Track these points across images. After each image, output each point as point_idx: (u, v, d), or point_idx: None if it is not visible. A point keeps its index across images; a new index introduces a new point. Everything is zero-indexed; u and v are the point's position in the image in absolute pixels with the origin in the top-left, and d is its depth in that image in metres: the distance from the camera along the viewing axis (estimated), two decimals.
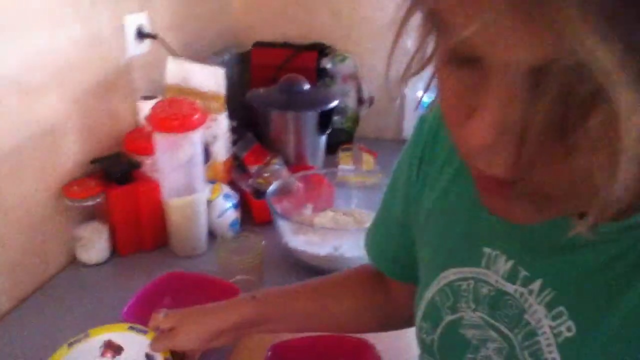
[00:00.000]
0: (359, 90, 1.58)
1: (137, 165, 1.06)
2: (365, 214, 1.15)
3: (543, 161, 0.34)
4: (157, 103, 1.05)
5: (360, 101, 1.58)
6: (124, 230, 1.05)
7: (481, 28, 0.30)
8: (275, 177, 1.23)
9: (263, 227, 1.13)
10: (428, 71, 0.42)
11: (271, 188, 1.10)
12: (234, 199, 1.15)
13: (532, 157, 0.33)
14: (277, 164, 1.28)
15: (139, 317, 0.82)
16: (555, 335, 0.46)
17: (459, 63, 0.35)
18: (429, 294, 0.59)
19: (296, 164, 1.33)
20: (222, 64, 1.39)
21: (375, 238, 0.72)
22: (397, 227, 0.66)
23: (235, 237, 1.04)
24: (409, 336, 0.71)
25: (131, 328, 0.76)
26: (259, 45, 1.58)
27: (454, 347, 0.56)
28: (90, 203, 0.99)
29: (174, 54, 1.26)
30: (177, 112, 1.01)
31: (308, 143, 1.36)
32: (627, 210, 0.40)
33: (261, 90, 1.40)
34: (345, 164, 1.42)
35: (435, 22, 0.35)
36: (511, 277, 0.50)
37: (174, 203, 1.05)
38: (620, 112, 0.28)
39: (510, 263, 0.50)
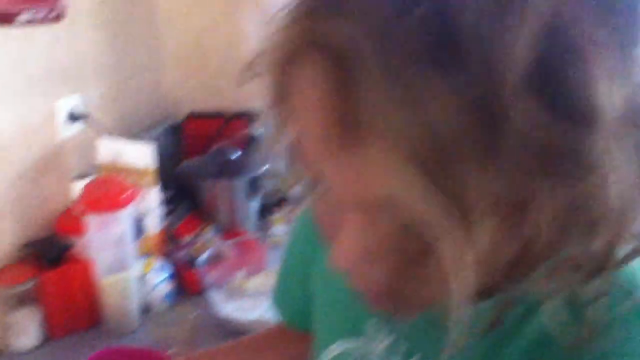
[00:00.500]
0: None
1: (69, 247, 1.09)
2: None
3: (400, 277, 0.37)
4: (87, 184, 1.09)
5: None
6: (57, 313, 1.07)
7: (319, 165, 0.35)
8: (209, 245, 1.27)
9: (198, 297, 1.17)
10: None
11: (202, 257, 1.15)
12: (168, 270, 1.18)
13: (390, 274, 0.37)
14: (210, 232, 1.32)
15: None
16: None
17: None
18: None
19: (230, 230, 1.38)
20: (155, 137, 1.45)
21: (283, 295, 0.74)
22: (302, 282, 0.67)
23: (169, 309, 1.07)
24: None
25: None
26: (192, 116, 1.64)
27: None
28: (23, 289, 1.02)
29: (107, 132, 1.31)
30: (108, 191, 1.05)
31: (240, 209, 1.41)
32: (495, 287, 0.42)
33: (193, 161, 1.46)
34: (279, 226, 1.47)
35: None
36: (392, 351, 0.52)
37: (106, 281, 1.08)
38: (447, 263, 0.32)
39: (392, 337, 0.52)
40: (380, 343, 0.53)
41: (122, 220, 1.07)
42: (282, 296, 0.74)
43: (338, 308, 0.59)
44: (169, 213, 1.34)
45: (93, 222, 1.06)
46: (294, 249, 0.70)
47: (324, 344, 0.59)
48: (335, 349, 0.58)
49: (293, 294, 0.71)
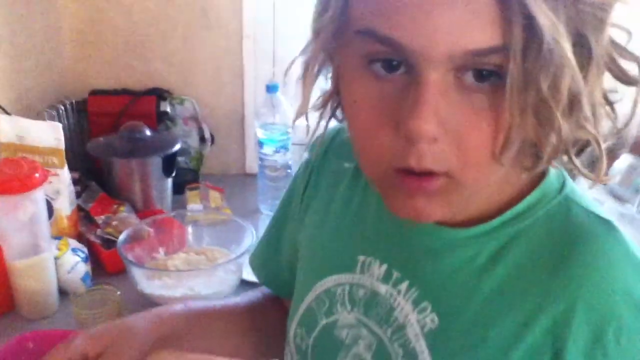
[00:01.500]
0: (200, 130, 1.64)
1: None
2: (217, 251, 1.21)
3: (473, 154, 0.43)
4: None
5: (202, 140, 1.64)
6: None
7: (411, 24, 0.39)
8: (124, 224, 1.25)
9: (117, 276, 1.15)
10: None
11: (122, 237, 1.12)
12: (83, 252, 1.15)
13: (465, 145, 0.42)
14: (125, 212, 1.30)
15: None
16: (421, 327, 0.53)
17: (383, 72, 0.43)
18: (305, 303, 0.64)
19: (144, 209, 1.36)
20: (57, 115, 1.38)
21: (264, 258, 0.80)
22: (287, 245, 0.73)
23: (89, 290, 1.04)
24: None
25: None
26: (96, 93, 1.58)
27: (328, 349, 0.61)
28: None
29: (5, 111, 1.23)
30: (16, 172, 1.00)
31: (154, 187, 1.39)
32: (485, 217, 0.52)
33: (102, 139, 1.41)
34: (193, 203, 1.47)
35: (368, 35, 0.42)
36: (385, 278, 0.57)
37: (19, 265, 1.03)
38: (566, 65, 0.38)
39: (384, 266, 0.58)
40: (374, 272, 0.58)
41: (32, 201, 1.02)
42: (264, 262, 0.80)
43: (328, 248, 0.64)
44: (80, 194, 1.30)
45: (1, 205, 1.01)
46: (286, 211, 0.74)
47: (312, 282, 0.64)
48: (326, 283, 0.62)
49: (278, 259, 0.76)
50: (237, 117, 1.67)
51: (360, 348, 0.58)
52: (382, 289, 0.57)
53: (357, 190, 0.63)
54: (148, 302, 1.08)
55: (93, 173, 1.39)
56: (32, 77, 1.45)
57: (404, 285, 0.56)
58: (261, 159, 1.47)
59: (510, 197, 0.52)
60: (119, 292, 1.01)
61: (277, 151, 1.44)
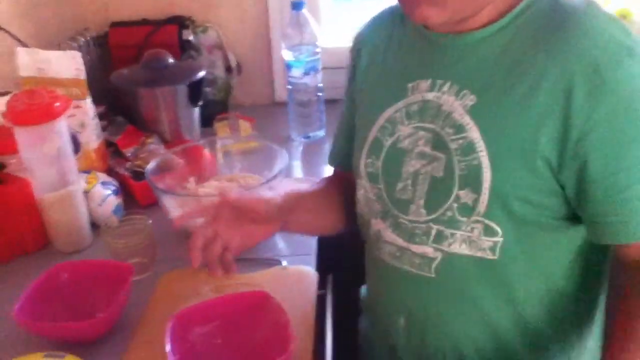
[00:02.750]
0: (226, 60, 1.57)
1: (1, 166, 1.00)
2: (249, 177, 1.17)
3: None
4: (12, 97, 0.99)
5: (228, 70, 1.58)
6: (0, 236, 1.00)
7: None
8: (153, 156, 1.21)
9: (149, 208, 1.12)
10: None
11: (149, 166, 1.09)
12: (113, 185, 1.12)
13: None
14: (153, 143, 1.26)
15: (34, 316, 0.80)
16: (464, 107, 0.68)
17: None
18: (370, 136, 0.78)
19: (173, 141, 1.32)
20: (78, 48, 1.33)
21: (337, 147, 0.96)
22: (352, 128, 0.87)
23: (121, 222, 1.02)
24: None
25: (47, 355, 0.73)
26: (116, 25, 1.52)
27: (396, 161, 0.74)
28: None
29: (23, 44, 1.19)
30: (37, 102, 0.96)
31: (182, 117, 1.34)
32: (494, 20, 0.68)
33: (125, 70, 1.36)
34: (223, 134, 1.42)
35: None
36: (431, 88, 0.72)
37: (48, 199, 1.01)
38: None
39: (429, 81, 0.72)
40: (422, 88, 0.73)
41: (56, 133, 0.99)
42: (337, 150, 0.96)
43: (382, 87, 0.79)
44: (106, 127, 1.26)
45: (24, 137, 0.98)
46: (346, 101, 0.91)
47: (374, 117, 0.78)
48: (386, 114, 0.77)
49: (349, 144, 0.88)
50: (264, 42, 1.60)
51: (421, 146, 0.72)
52: (430, 96, 0.72)
53: (393, 41, 0.80)
54: (181, 231, 1.05)
55: (119, 106, 1.35)
56: (51, 9, 1.40)
57: (446, 86, 0.71)
58: (290, 84, 1.40)
59: (511, 3, 0.68)
60: (150, 221, 0.98)
61: (306, 73, 1.36)
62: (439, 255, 0.73)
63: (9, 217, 0.99)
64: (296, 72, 1.37)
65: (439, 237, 0.72)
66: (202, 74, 1.34)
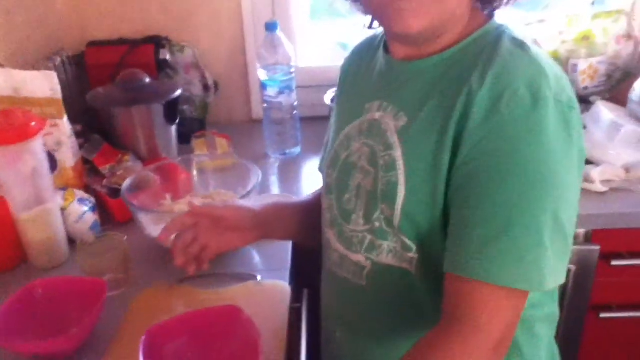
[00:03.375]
0: (203, 78, 1.60)
1: None
2: (223, 194, 1.19)
3: None
4: None
5: (206, 88, 1.61)
6: None
7: None
8: (130, 173, 1.23)
9: (126, 225, 1.14)
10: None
11: (125, 184, 1.11)
12: (90, 202, 1.14)
13: None
14: (129, 161, 1.28)
15: (8, 332, 0.81)
16: (395, 127, 0.73)
17: None
18: (332, 150, 0.84)
19: (150, 158, 1.34)
20: (54, 68, 1.35)
21: (324, 155, 0.96)
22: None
23: (96, 239, 1.04)
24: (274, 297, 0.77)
25: None
26: (93, 44, 1.54)
27: (346, 173, 0.79)
28: None
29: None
30: (12, 122, 0.98)
31: (158, 135, 1.36)
32: (444, 49, 0.72)
33: (101, 89, 1.38)
34: (200, 151, 1.44)
35: None
36: (379, 108, 0.77)
37: (25, 217, 1.02)
38: None
39: (378, 102, 0.77)
40: (373, 109, 0.78)
41: (32, 152, 1.01)
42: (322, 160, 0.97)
43: (346, 108, 0.86)
44: (82, 145, 1.28)
45: (1, 157, 0.99)
46: (331, 115, 0.94)
47: (338, 134, 0.84)
48: (345, 130, 0.82)
49: None
50: (240, 61, 1.63)
51: (362, 161, 0.77)
52: (377, 115, 0.76)
53: (363, 66, 0.86)
54: (156, 247, 1.07)
55: (95, 125, 1.36)
56: (26, 30, 1.41)
57: (389, 108, 0.75)
58: (266, 102, 1.43)
59: (463, 34, 0.71)
60: (125, 237, 0.99)
61: (281, 92, 1.40)
62: (369, 264, 0.76)
63: None
64: (271, 91, 1.40)
65: (371, 247, 0.75)
66: (178, 93, 1.37)
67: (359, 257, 0.77)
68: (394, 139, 0.72)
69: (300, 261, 1.10)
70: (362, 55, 0.88)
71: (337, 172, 0.82)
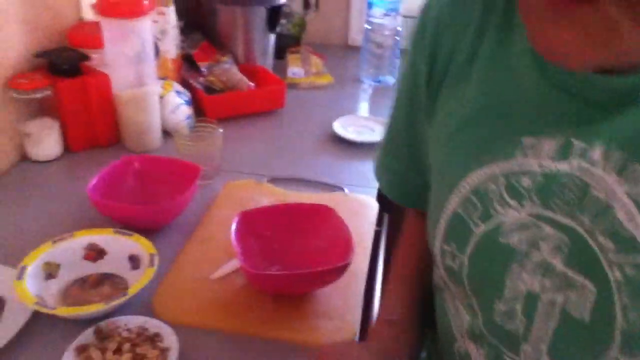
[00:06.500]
0: None
1: (85, 57, 1.03)
2: None
3: None
4: None
5: (306, 5, 1.57)
6: (75, 125, 1.03)
7: None
8: (226, 74, 1.22)
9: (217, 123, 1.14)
10: None
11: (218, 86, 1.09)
12: (186, 95, 1.14)
13: None
14: (227, 62, 1.27)
15: (105, 196, 0.82)
16: (636, 203, 0.39)
17: None
18: (448, 210, 0.51)
19: (246, 62, 1.32)
20: None
21: (385, 166, 0.68)
22: (414, 143, 0.61)
23: (192, 129, 1.03)
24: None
25: (117, 232, 0.77)
26: None
27: (492, 262, 0.48)
28: (38, 95, 0.96)
29: None
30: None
31: (257, 41, 1.34)
32: None
33: None
34: (294, 67, 1.42)
35: None
36: (562, 154, 0.43)
37: (125, 95, 1.03)
38: None
39: (558, 140, 0.43)
40: (541, 151, 0.45)
41: (140, 33, 1.00)
42: (387, 170, 0.69)
43: (474, 135, 0.50)
44: (183, 41, 1.27)
45: (110, 31, 0.99)
46: (399, 111, 0.63)
47: (453, 182, 0.50)
48: (472, 180, 0.49)
49: (400, 165, 0.66)
50: None
51: (544, 253, 0.44)
52: (564, 166, 0.43)
53: (484, 49, 0.50)
54: (247, 144, 1.06)
55: (197, 23, 1.35)
56: None
57: (597, 152, 0.41)
58: (369, 23, 1.38)
59: None
60: (221, 130, 0.99)
61: (387, 14, 1.34)
62: None
63: (86, 109, 1.02)
64: (377, 11, 1.35)
65: None
66: (282, 0, 1.34)
67: None
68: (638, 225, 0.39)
69: None
70: (470, 20, 0.51)
71: (468, 256, 0.50)
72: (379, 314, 0.65)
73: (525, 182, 0.45)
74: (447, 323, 0.58)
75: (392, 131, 0.66)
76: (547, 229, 0.44)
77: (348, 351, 0.60)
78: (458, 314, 0.55)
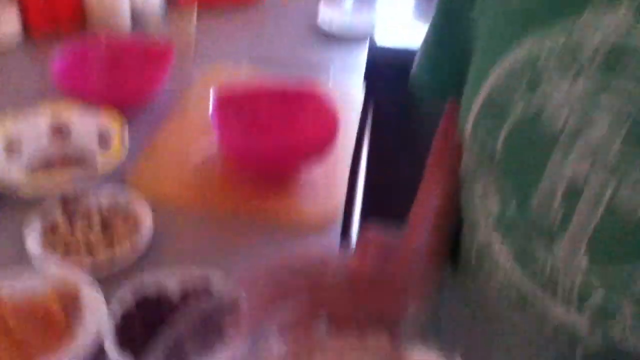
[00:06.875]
0: None
1: None
2: None
3: None
4: None
5: None
6: (36, 7, 0.94)
7: None
8: None
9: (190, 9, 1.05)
10: None
11: None
12: None
13: None
14: None
15: (72, 75, 0.76)
16: None
17: None
18: (486, 85, 0.43)
19: None
20: None
21: (431, 60, 0.56)
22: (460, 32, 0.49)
23: (165, 16, 0.96)
24: None
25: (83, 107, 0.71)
26: None
27: (533, 146, 0.40)
28: None
29: None
30: None
31: None
32: None
33: None
34: None
35: None
36: (633, 24, 0.35)
37: None
38: None
39: (622, 10, 0.36)
40: (597, 29, 0.36)
41: None
42: (427, 66, 0.57)
43: None
44: None
45: None
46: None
47: (501, 49, 0.42)
48: (522, 45, 0.40)
49: (439, 60, 0.55)
50: None
51: (598, 130, 0.37)
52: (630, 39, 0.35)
53: None
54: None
55: None
56: None
57: None
58: None
59: None
60: (194, 17, 0.91)
61: None
62: (594, 340, 0.42)
63: None
64: None
65: (603, 310, 0.41)
66: None
67: (573, 318, 0.43)
68: None
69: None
70: None
71: (501, 139, 0.42)
72: (415, 208, 0.55)
73: (593, 42, 0.37)
74: (473, 209, 0.50)
75: (436, 27, 0.55)
76: (605, 101, 0.36)
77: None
78: (487, 200, 0.47)
